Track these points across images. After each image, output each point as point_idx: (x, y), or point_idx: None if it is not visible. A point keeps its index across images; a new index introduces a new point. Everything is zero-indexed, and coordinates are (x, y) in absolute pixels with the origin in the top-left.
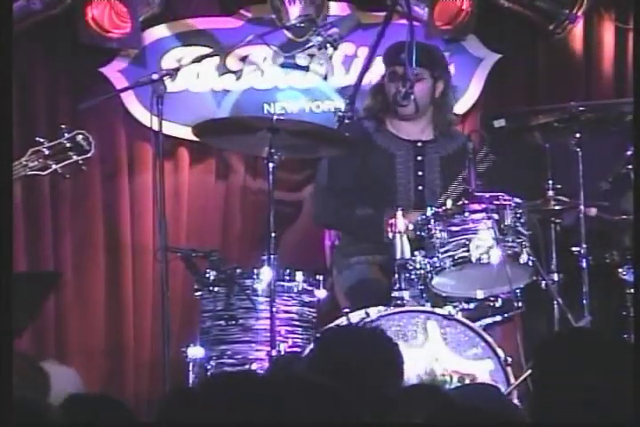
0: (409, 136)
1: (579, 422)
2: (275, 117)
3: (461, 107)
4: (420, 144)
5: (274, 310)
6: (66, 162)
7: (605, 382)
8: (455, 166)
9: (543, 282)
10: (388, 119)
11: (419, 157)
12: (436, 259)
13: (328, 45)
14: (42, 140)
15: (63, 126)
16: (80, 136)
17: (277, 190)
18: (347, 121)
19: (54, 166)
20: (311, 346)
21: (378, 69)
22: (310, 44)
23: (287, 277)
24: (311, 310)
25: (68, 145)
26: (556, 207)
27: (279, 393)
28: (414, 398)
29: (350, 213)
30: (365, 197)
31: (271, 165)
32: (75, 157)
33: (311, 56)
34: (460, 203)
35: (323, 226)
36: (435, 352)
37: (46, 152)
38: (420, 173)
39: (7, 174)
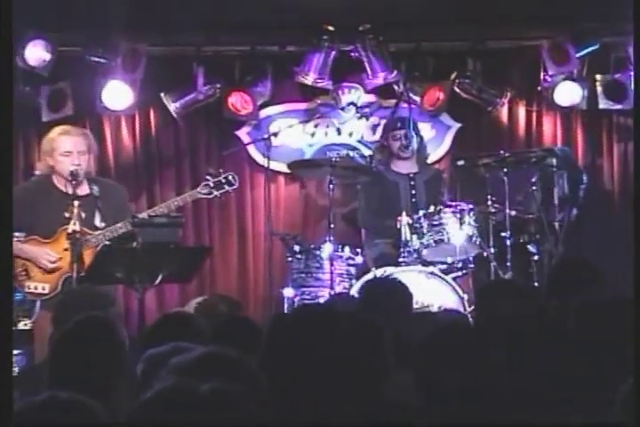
0: (405, 171)
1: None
2: (333, 159)
3: (438, 154)
4: (411, 175)
5: (332, 268)
6: (221, 191)
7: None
8: (432, 187)
9: (485, 253)
10: (391, 162)
11: (412, 183)
12: (424, 240)
13: (363, 118)
14: (208, 177)
15: (221, 170)
16: (230, 176)
17: (334, 205)
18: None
19: (215, 193)
20: (357, 288)
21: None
22: (353, 117)
23: (339, 249)
24: (353, 268)
25: (223, 181)
26: (493, 210)
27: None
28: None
29: (377, 220)
30: (385, 208)
31: (331, 186)
32: (226, 188)
33: (353, 124)
34: (438, 208)
35: (364, 228)
36: (424, 292)
37: (212, 184)
38: (413, 192)
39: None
